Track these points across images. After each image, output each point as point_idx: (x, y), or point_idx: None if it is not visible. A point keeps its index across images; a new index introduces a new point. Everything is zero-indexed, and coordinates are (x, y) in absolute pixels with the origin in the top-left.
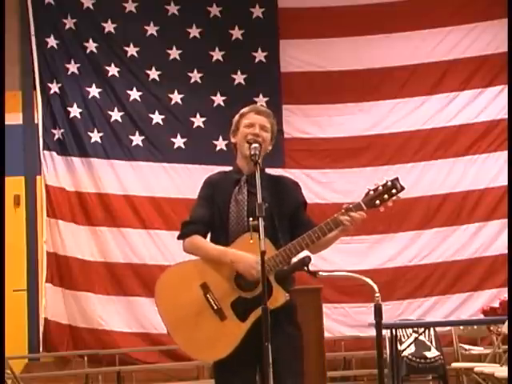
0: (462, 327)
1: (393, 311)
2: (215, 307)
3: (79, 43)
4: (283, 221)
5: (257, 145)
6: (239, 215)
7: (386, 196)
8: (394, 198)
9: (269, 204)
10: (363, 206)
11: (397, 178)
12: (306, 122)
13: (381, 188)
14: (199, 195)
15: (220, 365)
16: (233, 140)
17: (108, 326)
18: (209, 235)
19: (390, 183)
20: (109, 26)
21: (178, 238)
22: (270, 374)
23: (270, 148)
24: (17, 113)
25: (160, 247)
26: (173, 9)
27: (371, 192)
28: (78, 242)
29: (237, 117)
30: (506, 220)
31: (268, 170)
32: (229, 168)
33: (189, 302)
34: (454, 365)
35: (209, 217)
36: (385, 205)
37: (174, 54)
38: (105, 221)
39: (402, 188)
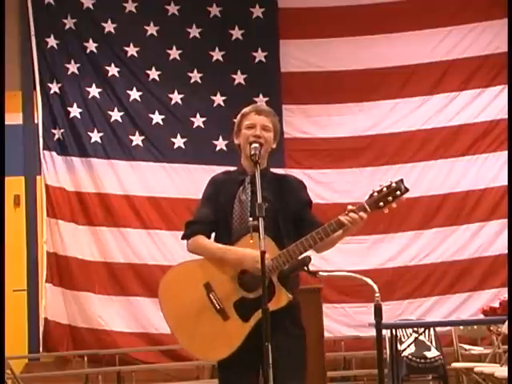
0: (461, 327)
1: (393, 311)
2: (218, 307)
3: (79, 43)
4: (287, 220)
5: (257, 145)
6: (242, 215)
7: (390, 198)
8: (398, 199)
9: (273, 203)
10: (367, 207)
11: (401, 180)
12: (306, 122)
13: (385, 189)
14: (203, 195)
15: (223, 366)
16: (236, 141)
17: (108, 326)
18: (212, 235)
19: (394, 184)
20: (109, 26)
21: (182, 238)
22: (270, 374)
23: (274, 146)
24: (17, 113)
25: (160, 247)
26: (173, 9)
27: (375, 193)
28: (77, 241)
29: (238, 117)
30: (505, 220)
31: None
32: (230, 168)
33: (192, 301)
34: (454, 365)
35: (213, 217)
36: (389, 207)
37: (174, 53)
38: (105, 221)
39: (406, 190)
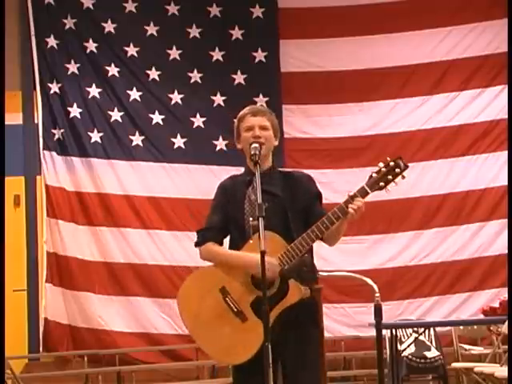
0: (461, 327)
1: (393, 311)
2: (235, 309)
3: (79, 43)
4: (297, 215)
5: (256, 145)
6: (253, 214)
7: (390, 176)
8: (399, 177)
9: (282, 199)
10: (367, 189)
11: (400, 157)
12: (306, 122)
13: (384, 169)
14: (213, 202)
15: (238, 365)
16: (238, 146)
17: (108, 326)
18: (227, 237)
19: (392, 163)
20: (109, 26)
21: (195, 245)
22: (269, 374)
23: (277, 143)
24: (17, 113)
25: (160, 247)
26: (173, 9)
27: (374, 174)
28: (77, 241)
29: (236, 122)
30: (505, 220)
31: None
32: (229, 168)
33: (210, 307)
34: (454, 365)
35: (224, 223)
36: (389, 185)
37: (174, 53)
38: (105, 221)
39: (406, 166)
